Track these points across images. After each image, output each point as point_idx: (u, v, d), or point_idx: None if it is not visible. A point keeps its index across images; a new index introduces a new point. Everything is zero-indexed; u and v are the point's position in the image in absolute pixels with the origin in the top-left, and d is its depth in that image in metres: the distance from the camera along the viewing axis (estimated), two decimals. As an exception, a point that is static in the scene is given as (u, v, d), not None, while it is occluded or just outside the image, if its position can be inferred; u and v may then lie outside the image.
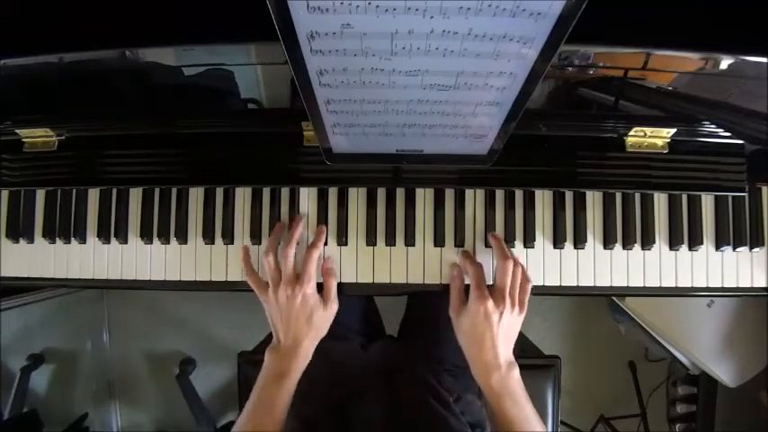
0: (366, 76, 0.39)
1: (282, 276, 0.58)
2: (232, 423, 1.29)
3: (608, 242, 0.64)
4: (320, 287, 0.62)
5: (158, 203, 0.66)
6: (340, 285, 0.64)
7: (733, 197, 0.64)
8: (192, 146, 0.64)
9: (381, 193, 0.64)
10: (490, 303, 0.56)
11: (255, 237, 0.64)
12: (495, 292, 0.57)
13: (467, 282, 0.61)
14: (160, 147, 0.64)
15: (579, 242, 0.64)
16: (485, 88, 0.41)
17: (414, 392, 0.65)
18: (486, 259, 0.63)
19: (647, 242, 0.64)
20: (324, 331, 0.61)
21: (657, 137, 0.62)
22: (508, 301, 0.56)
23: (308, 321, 0.58)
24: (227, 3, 0.47)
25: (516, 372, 0.56)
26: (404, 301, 0.88)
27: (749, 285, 0.64)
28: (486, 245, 0.63)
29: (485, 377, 0.56)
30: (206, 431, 1.36)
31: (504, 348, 0.57)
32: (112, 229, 0.66)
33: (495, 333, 0.56)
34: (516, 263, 0.59)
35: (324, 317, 0.60)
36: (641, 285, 0.64)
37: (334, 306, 0.61)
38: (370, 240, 0.64)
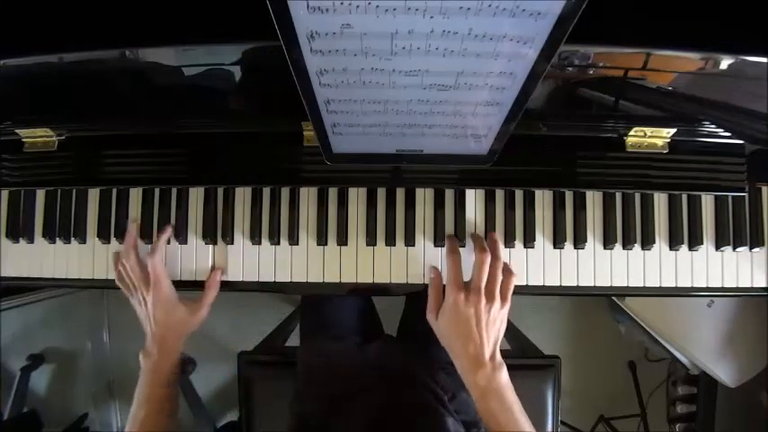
0: (366, 76, 0.39)
1: (134, 282, 0.61)
2: (232, 423, 1.29)
3: (608, 242, 0.64)
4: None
5: (158, 203, 0.66)
6: (337, 285, 0.64)
7: (733, 197, 0.64)
8: (192, 146, 0.64)
9: (381, 193, 0.64)
10: (462, 295, 0.55)
11: (256, 237, 0.64)
12: (471, 286, 0.56)
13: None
14: (160, 147, 0.64)
15: (579, 242, 0.64)
16: (485, 88, 0.41)
17: (410, 391, 0.65)
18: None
19: (647, 242, 0.64)
20: (188, 329, 0.63)
21: (657, 137, 0.62)
22: (483, 294, 0.55)
23: (165, 322, 0.61)
24: (227, 3, 0.47)
25: (504, 373, 0.54)
26: (403, 300, 0.88)
27: (749, 285, 0.64)
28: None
29: (470, 374, 0.54)
30: (206, 431, 1.36)
31: (488, 343, 0.55)
32: (112, 229, 0.66)
33: (475, 326, 0.54)
34: (496, 257, 0.57)
35: (186, 320, 0.62)
36: (641, 285, 0.64)
37: (201, 312, 0.63)
38: (370, 240, 0.64)
